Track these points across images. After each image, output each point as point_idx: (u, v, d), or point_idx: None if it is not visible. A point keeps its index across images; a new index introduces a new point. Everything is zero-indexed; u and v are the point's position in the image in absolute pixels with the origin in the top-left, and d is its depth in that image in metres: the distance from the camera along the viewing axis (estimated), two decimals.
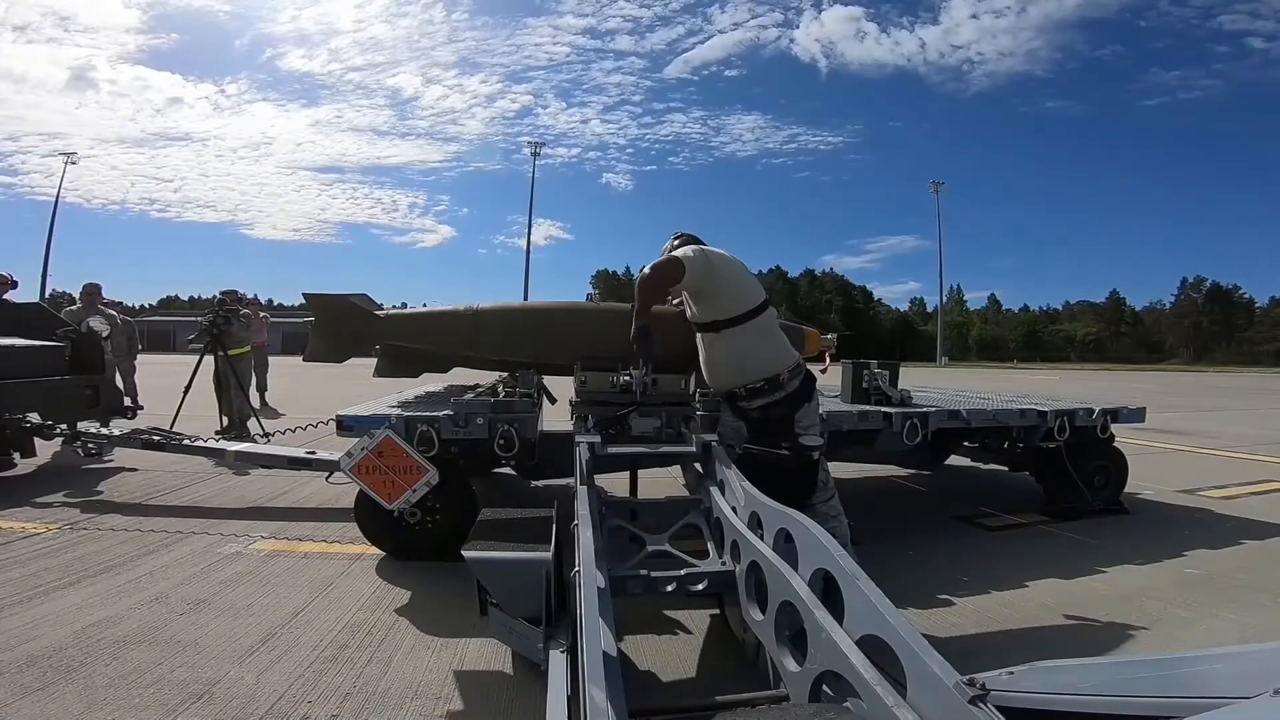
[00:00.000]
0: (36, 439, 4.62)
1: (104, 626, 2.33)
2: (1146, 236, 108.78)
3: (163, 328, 47.55)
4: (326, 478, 3.46)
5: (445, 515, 3.02)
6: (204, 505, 4.10)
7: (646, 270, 2.56)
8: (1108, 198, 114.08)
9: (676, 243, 2.86)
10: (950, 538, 3.66)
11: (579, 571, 1.61)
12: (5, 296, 5.97)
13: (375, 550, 3.13)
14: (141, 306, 73.62)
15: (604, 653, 1.21)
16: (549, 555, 1.91)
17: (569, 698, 1.36)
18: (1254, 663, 1.24)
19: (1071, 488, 3.93)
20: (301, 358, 3.73)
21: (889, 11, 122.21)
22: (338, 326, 3.50)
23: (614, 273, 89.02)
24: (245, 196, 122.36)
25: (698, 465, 2.69)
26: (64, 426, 4.40)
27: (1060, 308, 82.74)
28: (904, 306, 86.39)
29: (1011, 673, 1.16)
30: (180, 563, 3.03)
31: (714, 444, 2.59)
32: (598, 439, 2.68)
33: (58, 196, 46.72)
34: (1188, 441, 7.71)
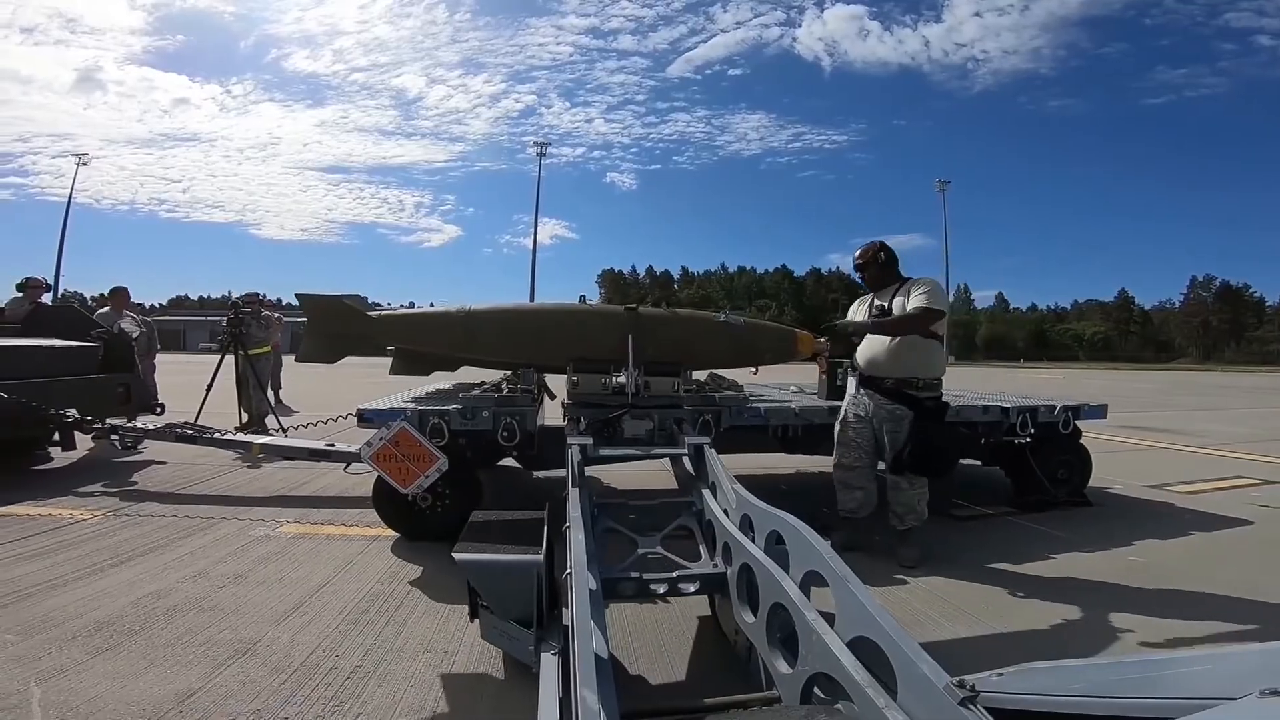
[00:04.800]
0: (76, 433, 4.97)
1: (156, 598, 2.66)
2: (1155, 235, 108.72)
3: (173, 327, 47.87)
4: (345, 468, 3.78)
5: (454, 500, 3.34)
6: (232, 494, 4.45)
7: (927, 313, 3.08)
8: (1115, 196, 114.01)
9: (886, 255, 3.35)
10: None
11: (571, 574, 1.61)
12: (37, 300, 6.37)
13: (391, 532, 3.46)
14: (152, 306, 74.50)
15: (596, 655, 1.21)
16: (541, 557, 1.90)
17: (560, 700, 1.35)
18: (1241, 664, 1.27)
19: (1033, 481, 4.19)
20: (294, 358, 3.87)
21: (891, 10, 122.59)
22: (331, 327, 3.55)
23: (619, 271, 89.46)
24: (253, 196, 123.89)
25: (690, 468, 2.73)
26: (106, 421, 4.74)
27: (1068, 307, 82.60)
28: None
29: (1001, 674, 1.16)
30: (216, 544, 3.37)
31: (706, 446, 2.65)
32: (590, 441, 2.74)
33: (70, 197, 46.66)
34: (1175, 439, 7.94)
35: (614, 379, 3.23)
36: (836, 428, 3.44)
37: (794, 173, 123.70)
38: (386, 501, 3.36)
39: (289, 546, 3.35)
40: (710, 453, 2.58)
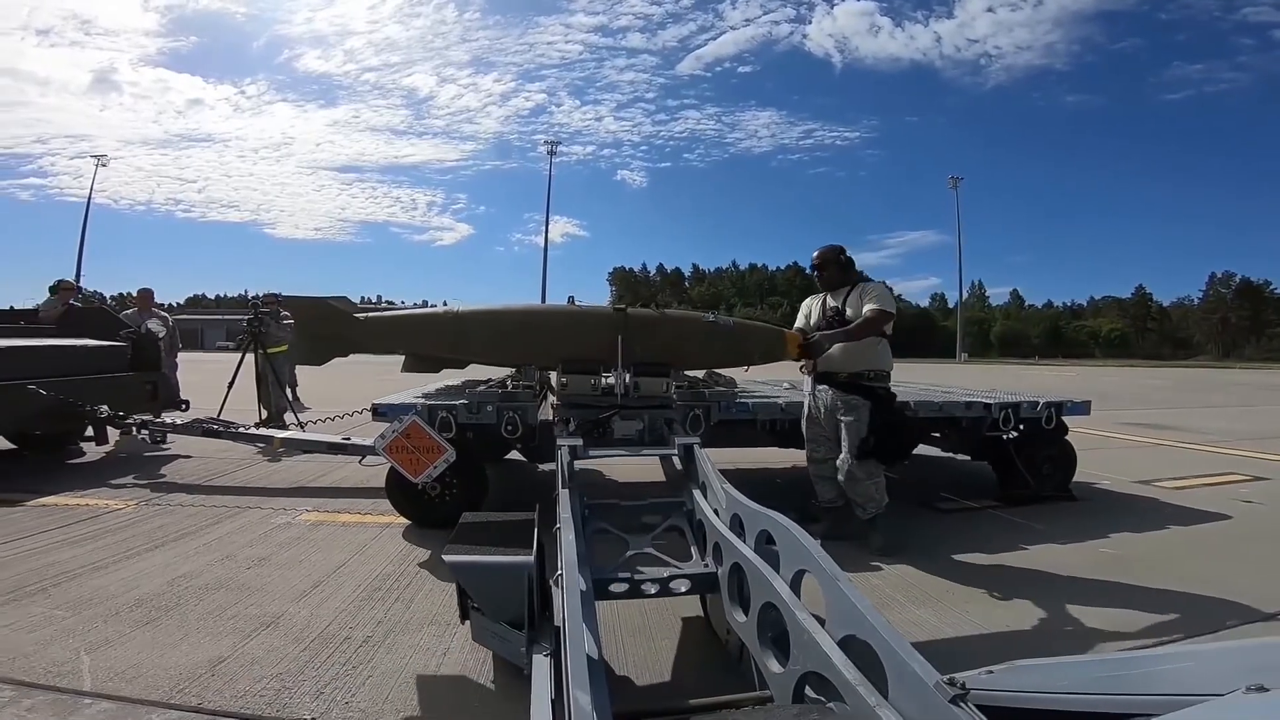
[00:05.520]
0: (109, 428, 5.27)
1: (188, 578, 2.91)
2: (1174, 231, 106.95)
3: (191, 326, 48.45)
4: (360, 460, 4.02)
5: (460, 490, 3.59)
6: (254, 486, 4.72)
7: (882, 314, 3.33)
8: (1133, 192, 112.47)
9: (845, 258, 3.57)
10: (904, 519, 4.01)
11: (562, 576, 1.60)
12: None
13: (402, 520, 3.72)
14: (169, 305, 75.63)
15: (588, 657, 1.21)
16: (531, 559, 1.88)
17: (553, 701, 1.36)
18: (1228, 660, 1.31)
19: (1016, 475, 4.34)
20: None
21: (902, 6, 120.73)
22: (318, 329, 3.52)
23: (630, 269, 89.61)
24: (267, 196, 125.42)
25: (680, 468, 2.72)
26: (135, 417, 5.04)
27: (1085, 303, 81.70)
28: (924, 302, 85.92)
29: (991, 671, 1.17)
30: (241, 530, 3.63)
31: (696, 446, 2.63)
32: (579, 442, 2.73)
33: (89, 198, 46.80)
34: (1175, 436, 7.96)
35: (603, 380, 3.22)
36: (804, 425, 3.63)
37: (805, 170, 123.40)
38: (398, 491, 3.62)
39: (308, 533, 3.61)
40: (700, 453, 2.58)
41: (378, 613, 2.58)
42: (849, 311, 3.41)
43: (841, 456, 3.40)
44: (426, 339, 3.47)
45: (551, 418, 3.85)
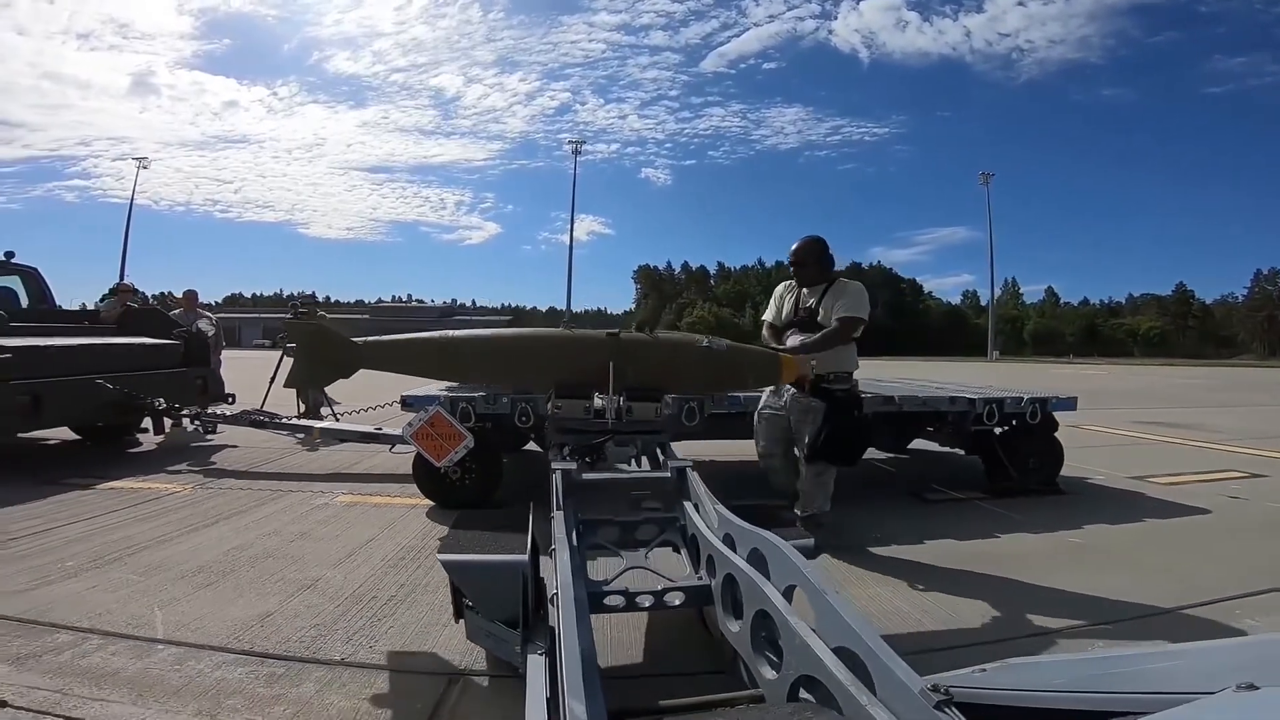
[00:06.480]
0: (165, 419, 5.81)
1: (240, 549, 3.34)
2: (1216, 228, 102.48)
3: (229, 324, 49.61)
4: (391, 449, 4.45)
5: (478, 474, 4.00)
6: (295, 472, 5.20)
7: (850, 322, 3.34)
8: (1174, 187, 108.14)
9: (826, 255, 3.53)
10: (894, 508, 4.33)
11: (558, 593, 1.61)
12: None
13: (426, 501, 4.13)
14: (211, 304, 77.69)
15: (584, 668, 1.24)
16: (525, 558, 1.89)
17: (548, 700, 1.37)
18: (1220, 658, 1.32)
19: (1001, 468, 4.56)
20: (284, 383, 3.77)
21: (930, 0, 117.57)
22: (316, 352, 3.53)
23: (655, 267, 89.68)
24: (301, 196, 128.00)
25: (674, 489, 2.69)
26: (188, 409, 5.56)
27: (1123, 301, 79.45)
28: (956, 299, 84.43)
29: (984, 670, 1.19)
30: (285, 510, 4.08)
31: (688, 469, 2.65)
32: (573, 466, 2.73)
33: (131, 200, 47.32)
34: (1189, 434, 7.94)
35: (596, 404, 3.20)
36: (755, 420, 3.70)
37: (833, 166, 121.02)
38: (423, 475, 4.05)
39: (343, 512, 4.05)
40: (693, 475, 2.58)
41: (401, 577, 2.97)
42: (821, 312, 3.40)
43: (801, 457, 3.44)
44: (423, 363, 3.47)
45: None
